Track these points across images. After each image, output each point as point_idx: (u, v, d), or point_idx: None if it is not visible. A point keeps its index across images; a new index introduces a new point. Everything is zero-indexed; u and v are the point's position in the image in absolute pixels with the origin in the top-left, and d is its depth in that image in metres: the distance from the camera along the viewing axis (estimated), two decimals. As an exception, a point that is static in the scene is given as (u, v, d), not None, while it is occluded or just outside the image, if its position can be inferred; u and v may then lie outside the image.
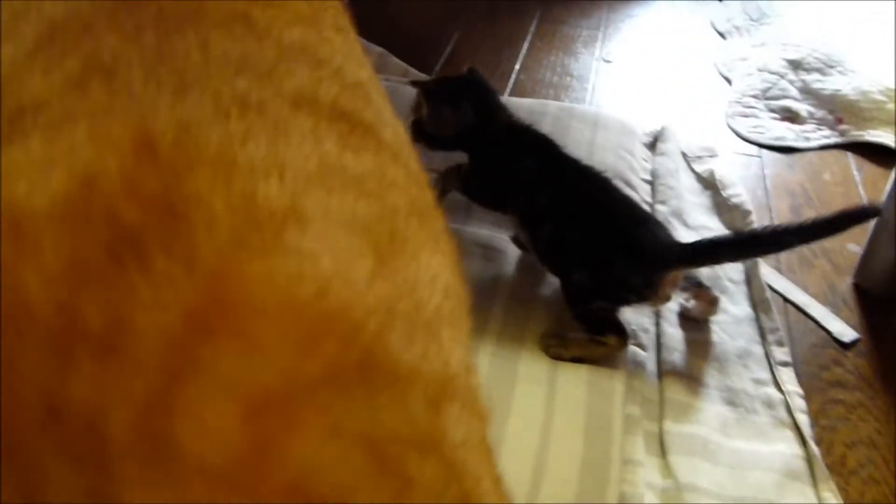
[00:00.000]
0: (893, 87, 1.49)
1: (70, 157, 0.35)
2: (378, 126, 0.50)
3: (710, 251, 0.95)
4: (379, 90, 0.57)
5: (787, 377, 0.98)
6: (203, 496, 0.27)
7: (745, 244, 0.97)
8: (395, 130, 0.55)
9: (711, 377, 0.97)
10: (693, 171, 1.35)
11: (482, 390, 0.42)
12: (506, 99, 1.49)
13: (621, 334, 0.94)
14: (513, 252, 1.10)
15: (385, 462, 0.30)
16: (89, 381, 0.28)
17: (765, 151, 1.44)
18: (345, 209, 0.39)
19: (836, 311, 1.09)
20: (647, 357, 0.98)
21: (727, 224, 1.23)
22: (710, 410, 0.92)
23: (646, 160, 1.34)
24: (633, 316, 1.02)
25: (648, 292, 0.93)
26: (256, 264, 0.32)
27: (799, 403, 0.94)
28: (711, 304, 1.02)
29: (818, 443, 0.89)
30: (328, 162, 0.41)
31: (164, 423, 0.28)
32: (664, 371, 0.96)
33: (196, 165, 0.36)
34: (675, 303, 1.04)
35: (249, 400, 0.29)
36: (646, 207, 1.22)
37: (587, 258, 0.94)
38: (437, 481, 0.32)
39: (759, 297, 1.09)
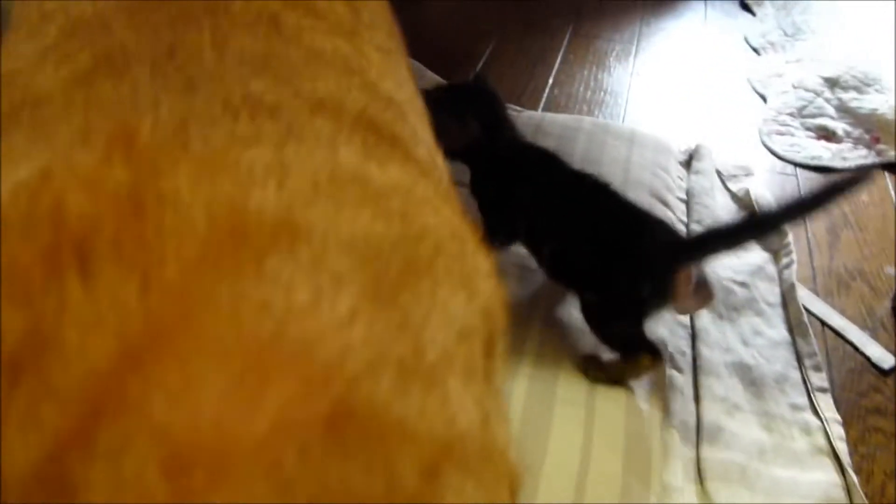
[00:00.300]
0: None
1: (43, 152, 0.31)
2: (410, 143, 0.46)
3: (713, 242, 0.92)
4: (418, 112, 0.54)
5: (825, 403, 0.97)
6: None
7: (744, 228, 0.93)
8: (431, 150, 0.51)
9: (748, 402, 0.96)
10: (728, 189, 1.35)
11: (513, 440, 0.37)
12: (540, 114, 1.50)
13: (654, 352, 0.92)
14: (548, 271, 1.10)
15: None
16: None
17: (800, 170, 1.43)
18: (355, 228, 0.33)
19: (875, 336, 1.09)
20: (684, 380, 0.98)
21: (763, 245, 1.22)
22: (748, 436, 0.92)
23: (681, 178, 1.34)
24: (670, 338, 1.02)
25: (663, 299, 0.91)
26: (224, 289, 0.27)
27: (837, 431, 0.94)
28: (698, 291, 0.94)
29: (857, 472, 0.89)
30: (346, 171, 0.37)
31: (73, 469, 0.24)
32: (701, 395, 0.96)
33: (181, 162, 0.31)
34: (714, 325, 1.04)
35: (177, 449, 0.24)
36: (681, 227, 1.22)
37: (592, 278, 0.93)
38: None
39: (795, 321, 1.08)
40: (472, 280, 0.39)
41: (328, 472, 0.26)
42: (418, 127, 0.51)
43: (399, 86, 0.53)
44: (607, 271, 0.91)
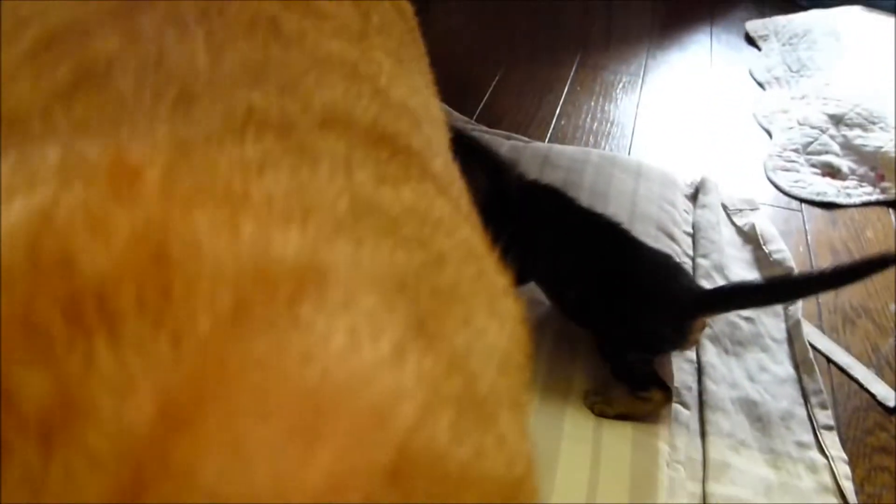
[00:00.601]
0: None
1: (33, 186, 0.28)
2: (426, 154, 0.44)
3: (734, 297, 0.96)
4: (434, 120, 0.52)
5: (831, 441, 0.97)
6: None
7: (766, 291, 0.97)
8: (447, 162, 0.49)
9: (755, 438, 0.97)
10: (734, 224, 1.35)
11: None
12: (547, 146, 1.51)
13: (665, 389, 0.94)
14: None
15: None
16: (25, 485, 0.21)
17: (805, 206, 1.44)
18: (379, 262, 0.31)
19: (879, 373, 1.09)
20: (690, 416, 0.98)
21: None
22: (754, 473, 0.92)
23: (687, 212, 1.35)
24: (676, 373, 1.02)
25: (679, 340, 0.95)
26: (260, 342, 0.25)
27: (843, 469, 0.94)
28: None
29: (863, 511, 0.89)
30: (361, 200, 0.35)
31: None
32: (707, 430, 0.96)
33: (196, 200, 0.29)
34: (720, 360, 1.05)
35: None
36: (687, 261, 1.23)
37: (616, 314, 0.94)
38: None
39: (801, 357, 1.09)
40: (497, 299, 0.38)
41: None
42: (434, 137, 0.49)
43: (413, 92, 0.51)
44: (632, 309, 0.93)
